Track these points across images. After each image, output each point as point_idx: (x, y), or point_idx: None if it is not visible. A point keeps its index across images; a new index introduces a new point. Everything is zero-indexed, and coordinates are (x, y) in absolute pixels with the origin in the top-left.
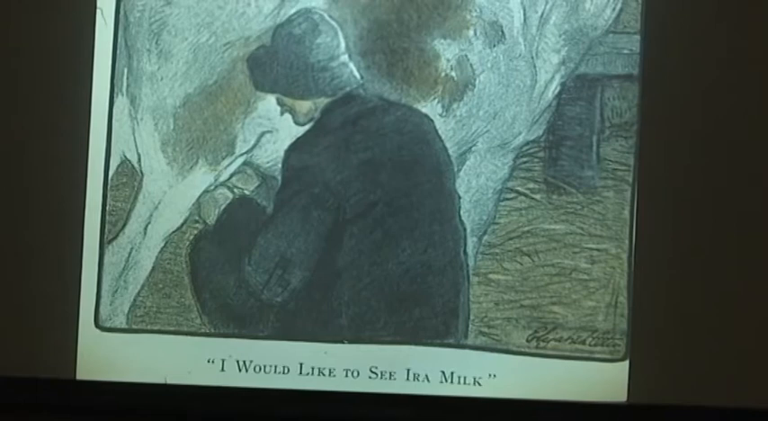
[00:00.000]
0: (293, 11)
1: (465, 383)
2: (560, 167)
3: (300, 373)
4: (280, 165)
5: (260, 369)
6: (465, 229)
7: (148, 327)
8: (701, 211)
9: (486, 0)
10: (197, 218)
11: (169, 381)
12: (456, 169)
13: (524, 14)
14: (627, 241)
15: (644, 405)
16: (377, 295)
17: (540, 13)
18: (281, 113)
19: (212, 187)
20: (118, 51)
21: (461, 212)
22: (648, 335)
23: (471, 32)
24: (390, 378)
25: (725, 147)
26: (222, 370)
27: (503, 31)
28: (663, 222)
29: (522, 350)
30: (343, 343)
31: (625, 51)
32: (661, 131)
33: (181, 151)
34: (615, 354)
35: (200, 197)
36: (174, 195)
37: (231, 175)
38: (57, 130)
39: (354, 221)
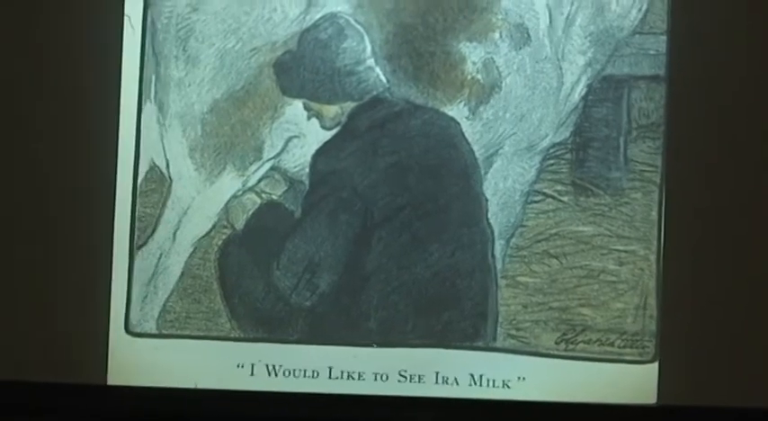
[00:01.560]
0: (319, 16)
1: (494, 386)
2: (587, 169)
3: (330, 377)
4: (307, 170)
5: (289, 373)
6: (493, 232)
7: (178, 333)
8: (729, 212)
9: (511, 2)
10: (225, 223)
11: (199, 386)
12: (483, 172)
13: (550, 16)
14: (655, 242)
15: (673, 406)
16: (405, 299)
17: (565, 15)
18: (308, 118)
19: (240, 192)
20: (146, 58)
21: (489, 215)
22: (678, 337)
23: (497, 35)
24: (419, 381)
25: (752, 147)
26: (252, 374)
27: (528, 34)
28: (691, 223)
29: (551, 352)
30: (372, 346)
31: (651, 52)
32: (688, 132)
33: (209, 157)
34: (644, 356)
35: (228, 202)
36: (203, 201)
37: (259, 180)
38: (86, 137)
39: (382, 225)
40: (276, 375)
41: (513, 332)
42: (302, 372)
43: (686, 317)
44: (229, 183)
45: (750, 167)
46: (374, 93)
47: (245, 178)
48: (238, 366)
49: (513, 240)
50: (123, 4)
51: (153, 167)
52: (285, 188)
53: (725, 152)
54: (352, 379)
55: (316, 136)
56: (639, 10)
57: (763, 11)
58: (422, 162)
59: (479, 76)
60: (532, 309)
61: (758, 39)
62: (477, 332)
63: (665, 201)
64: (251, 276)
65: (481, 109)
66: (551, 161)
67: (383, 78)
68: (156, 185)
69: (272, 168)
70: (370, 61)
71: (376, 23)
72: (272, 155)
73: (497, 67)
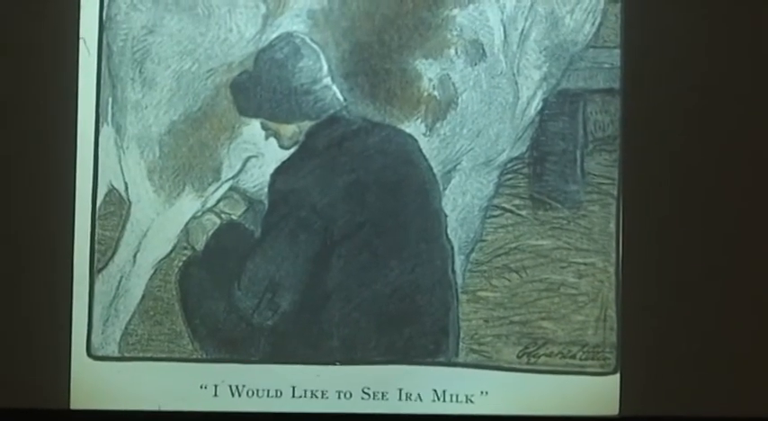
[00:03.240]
0: (275, 35)
1: (457, 401)
2: (545, 183)
3: (293, 396)
4: (266, 190)
5: (253, 393)
6: (452, 248)
7: (140, 355)
8: (687, 223)
9: (466, 19)
10: (185, 244)
11: (163, 408)
12: (442, 188)
13: (504, 32)
14: (614, 254)
15: (636, 417)
16: (367, 316)
17: (520, 30)
18: (266, 138)
19: (200, 213)
20: (102, 81)
21: (448, 231)
22: (638, 348)
23: (452, 51)
24: (383, 398)
25: (707, 157)
26: (215, 395)
27: (484, 49)
28: (649, 235)
29: (513, 366)
30: (335, 364)
31: (606, 65)
32: (644, 144)
33: (167, 178)
34: (606, 368)
35: (187, 223)
36: (162, 222)
37: (218, 201)
38: (43, 161)
39: (342, 243)
40: (240, 395)
41: (475, 347)
42: (265, 392)
43: (646, 328)
44: (189, 204)
45: (705, 177)
46: (331, 111)
47: (204, 199)
48: (201, 387)
49: (473, 255)
50: (78, 27)
51: (111, 190)
52: (244, 208)
53: (680, 163)
54: (316, 397)
55: (274, 155)
56: (593, 24)
57: (716, 23)
58: (380, 179)
59: (436, 93)
60: (493, 323)
61: (711, 50)
62: (439, 347)
63: (622, 213)
64: (212, 297)
65: (438, 125)
66: (509, 176)
67: (340, 96)
68: (114, 208)
69: (231, 188)
70: (327, 80)
71: (332, 42)
72: (230, 175)
73: (453, 84)
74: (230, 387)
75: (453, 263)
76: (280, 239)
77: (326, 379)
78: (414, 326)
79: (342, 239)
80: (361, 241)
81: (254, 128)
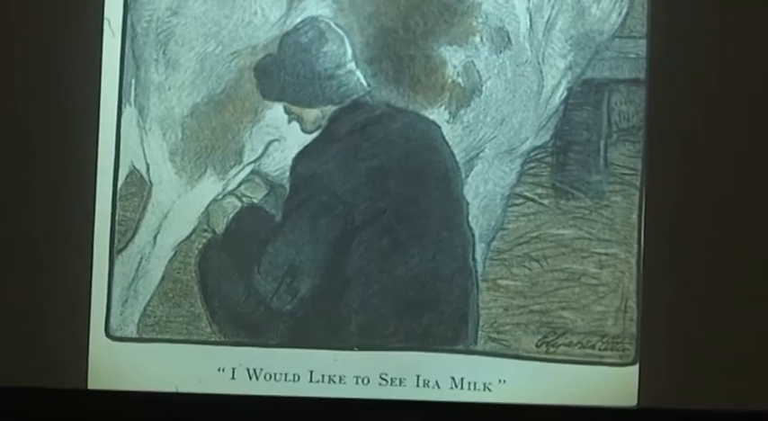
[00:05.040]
0: (299, 19)
1: (475, 389)
2: (568, 172)
3: (311, 381)
4: (288, 174)
5: (270, 377)
6: (473, 235)
7: (159, 337)
8: (709, 215)
9: (492, 6)
10: (206, 227)
11: (180, 390)
12: (464, 175)
13: (530, 20)
14: (635, 245)
15: (654, 409)
16: (386, 302)
17: (546, 19)
18: (289, 122)
19: (221, 196)
20: (125, 62)
21: (470, 218)
22: (658, 339)
23: (478, 39)
24: (400, 384)
25: (731, 150)
26: (233, 378)
27: (509, 37)
28: (671, 226)
29: (532, 355)
30: (353, 350)
31: (632, 55)
32: (668, 135)
33: (189, 161)
34: (625, 359)
35: (208, 206)
36: (183, 205)
37: (239, 184)
38: (65, 142)
39: (363, 229)
40: (257, 379)
41: (494, 335)
42: (283, 376)
43: (666, 320)
44: (210, 186)
45: (729, 169)
46: (355, 96)
47: (225, 182)
48: (219, 370)
49: (494, 243)
50: (103, 8)
51: (133, 171)
52: (266, 192)
53: (704, 155)
54: (333, 382)
55: (296, 139)
56: (619, 14)
57: (743, 13)
58: (402, 166)
59: (460, 80)
60: (513, 312)
61: (737, 41)
62: (458, 335)
63: (645, 204)
64: (231, 280)
65: (462, 112)
66: (532, 164)
67: (364, 82)
68: (136, 189)
69: (253, 172)
70: (351, 65)
71: (356, 27)
72: (252, 158)
73: (478, 71)
74: (248, 370)
75: (474, 251)
76: (300, 224)
77: (344, 364)
78: (433, 314)
79: (363, 225)
80: (382, 227)
81: (276, 111)
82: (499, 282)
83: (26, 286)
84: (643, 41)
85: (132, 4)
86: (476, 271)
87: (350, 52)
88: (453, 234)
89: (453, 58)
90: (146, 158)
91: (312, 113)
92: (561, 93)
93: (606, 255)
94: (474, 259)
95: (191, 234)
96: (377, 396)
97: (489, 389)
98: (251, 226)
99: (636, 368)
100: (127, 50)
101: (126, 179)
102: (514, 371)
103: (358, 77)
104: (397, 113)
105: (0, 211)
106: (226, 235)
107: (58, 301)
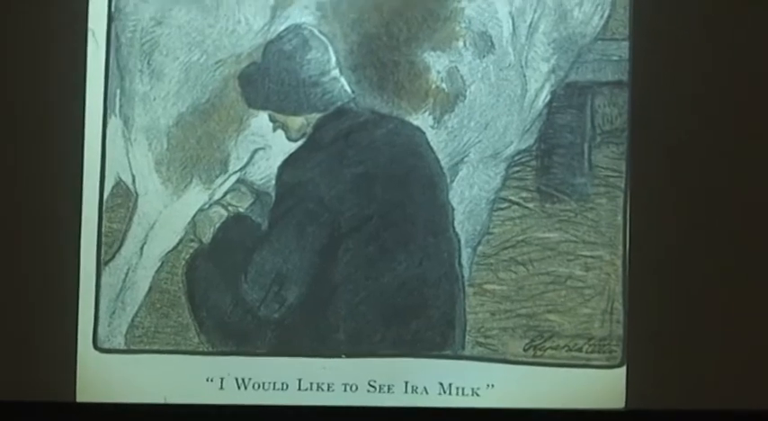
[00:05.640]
0: (283, 27)
1: (463, 394)
2: (552, 176)
3: (299, 389)
4: (273, 182)
5: (259, 386)
6: (459, 240)
7: (147, 348)
8: (694, 216)
9: (474, 11)
10: (192, 237)
11: (169, 401)
12: (449, 180)
13: (513, 24)
14: (621, 247)
15: (642, 410)
16: (373, 309)
17: (528, 23)
18: (274, 130)
19: (207, 206)
20: (110, 72)
21: (455, 223)
22: (645, 341)
23: (461, 44)
24: (389, 391)
25: (714, 150)
26: (221, 388)
27: (492, 42)
28: (656, 228)
29: (520, 359)
30: (341, 357)
31: (614, 58)
32: (652, 137)
33: (175, 171)
34: (612, 361)
35: (195, 216)
36: (169, 215)
37: (225, 193)
38: (51, 153)
39: (349, 235)
40: (246, 388)
41: (482, 340)
42: (272, 385)
43: (652, 321)
44: (196, 196)
45: (712, 170)
46: (339, 103)
47: (211, 191)
48: (208, 380)
49: (480, 248)
50: (87, 19)
51: (119, 182)
52: (252, 200)
53: (688, 156)
54: (322, 390)
55: (281, 147)
56: (601, 17)
57: (724, 15)
58: (388, 172)
59: (444, 85)
60: (500, 316)
61: (718, 43)
62: (446, 340)
63: (629, 205)
64: (219, 290)
65: (446, 117)
66: (516, 168)
67: (348, 89)
68: (122, 200)
69: (239, 181)
70: (335, 72)
71: (340, 34)
72: (238, 167)
73: (461, 76)
74: (236, 380)
75: (460, 256)
76: (287, 232)
77: (333, 371)
78: (420, 319)
79: (349, 232)
80: (369, 234)
81: (261, 120)
82: (486, 286)
83: (13, 299)
84: (625, 43)
85: (116, 14)
86: (462, 276)
87: (334, 59)
88: (439, 239)
89: (437, 64)
90: (131, 169)
91: (297, 121)
92: (545, 96)
93: (592, 257)
94: (460, 264)
95: (177, 244)
96: (365, 403)
97: (478, 394)
98: (237, 235)
99: (623, 370)
100: (111, 61)
101: (112, 190)
102: (502, 376)
103: (342, 84)
104: (381, 120)
105: None
106: (212, 244)
107: (46, 314)
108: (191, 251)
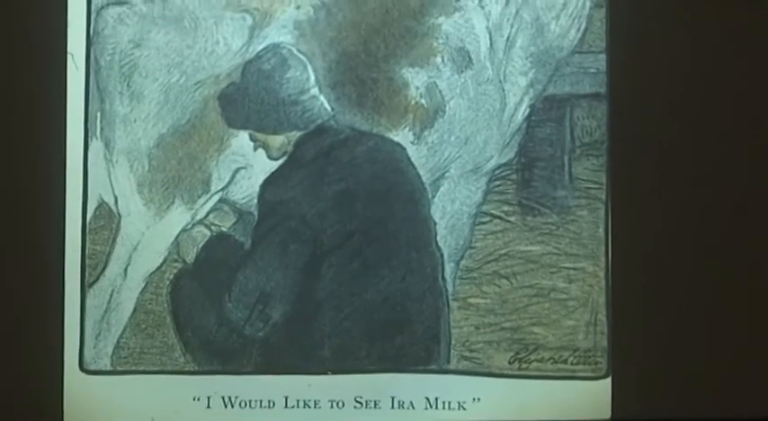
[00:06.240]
0: (261, 47)
1: (450, 408)
2: (533, 189)
3: (286, 406)
4: (255, 201)
5: (245, 404)
6: (442, 255)
7: (133, 368)
8: (675, 226)
9: (451, 27)
10: (176, 257)
11: None
12: (430, 196)
13: (490, 39)
14: (603, 259)
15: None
16: (358, 325)
17: (505, 37)
18: (255, 149)
19: (190, 226)
20: (90, 95)
21: (438, 238)
22: (629, 352)
23: (439, 59)
24: (375, 406)
25: (694, 159)
26: (208, 407)
27: (470, 57)
28: (638, 238)
29: (505, 372)
30: (327, 374)
31: (592, 70)
32: (631, 148)
33: (157, 192)
34: (597, 372)
35: (178, 236)
36: (153, 235)
37: (208, 213)
38: (33, 176)
39: (332, 253)
40: (232, 406)
41: (467, 353)
42: (258, 403)
43: (637, 332)
44: (178, 216)
45: (693, 180)
46: (319, 121)
47: (193, 211)
48: (194, 399)
49: (463, 262)
50: (66, 42)
51: (101, 204)
52: (234, 220)
53: (667, 166)
54: (308, 407)
55: (263, 166)
56: (578, 29)
57: (699, 26)
58: (369, 188)
59: (423, 101)
60: (484, 329)
61: (695, 53)
62: (431, 355)
63: (611, 217)
64: (203, 309)
65: (426, 133)
66: (497, 182)
67: (328, 106)
68: (105, 222)
69: (221, 200)
70: (314, 90)
71: (318, 52)
72: (219, 187)
73: (440, 91)
74: (223, 398)
75: (443, 270)
76: (270, 250)
77: (319, 388)
78: (405, 335)
79: (332, 249)
80: (351, 250)
81: (242, 139)
82: (470, 300)
83: None
84: (602, 56)
85: (95, 37)
86: (446, 290)
87: (313, 78)
88: (422, 254)
89: (416, 80)
90: (114, 191)
91: (277, 140)
92: (524, 110)
93: (574, 269)
94: (444, 279)
95: (161, 264)
96: (352, 419)
97: (464, 408)
98: (221, 254)
99: (608, 381)
100: (91, 84)
101: (95, 212)
102: (488, 389)
103: (322, 102)
104: (361, 137)
105: None
106: (196, 264)
107: (31, 337)
108: (174, 271)
